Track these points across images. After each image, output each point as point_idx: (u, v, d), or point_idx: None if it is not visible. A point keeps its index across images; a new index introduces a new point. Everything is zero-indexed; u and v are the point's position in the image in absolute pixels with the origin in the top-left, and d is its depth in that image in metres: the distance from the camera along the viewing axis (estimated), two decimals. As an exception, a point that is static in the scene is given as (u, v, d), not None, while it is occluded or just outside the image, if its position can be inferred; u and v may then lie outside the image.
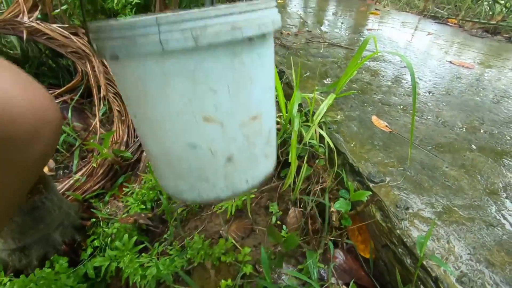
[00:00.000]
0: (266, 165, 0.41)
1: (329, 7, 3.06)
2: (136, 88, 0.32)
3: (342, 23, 2.27)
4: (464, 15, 2.81)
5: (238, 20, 0.29)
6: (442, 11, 3.00)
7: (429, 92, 1.19)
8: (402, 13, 3.19)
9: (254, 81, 0.34)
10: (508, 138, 0.93)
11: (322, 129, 0.84)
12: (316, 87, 1.06)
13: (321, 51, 1.54)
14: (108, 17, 1.25)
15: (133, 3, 1.14)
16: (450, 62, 1.57)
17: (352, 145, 0.81)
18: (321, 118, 0.86)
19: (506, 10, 2.71)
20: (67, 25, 1.28)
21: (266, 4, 0.32)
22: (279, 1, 3.03)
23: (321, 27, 2.04)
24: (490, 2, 2.80)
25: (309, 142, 0.81)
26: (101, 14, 1.24)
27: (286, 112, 0.85)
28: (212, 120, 0.32)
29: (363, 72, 1.32)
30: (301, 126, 0.84)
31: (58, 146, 1.14)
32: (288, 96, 0.88)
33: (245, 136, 0.35)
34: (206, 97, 0.31)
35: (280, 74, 1.22)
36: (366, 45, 0.85)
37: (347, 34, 1.93)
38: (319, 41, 1.68)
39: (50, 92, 1.20)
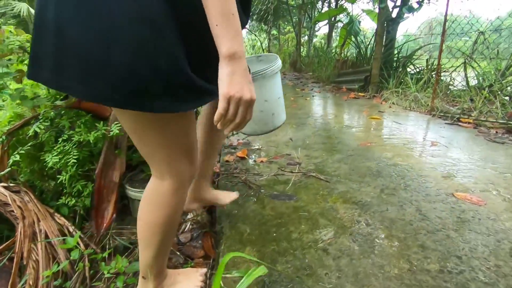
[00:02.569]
0: (284, 116, 1.16)
1: (329, 111, 3.02)
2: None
3: (334, 137, 2.14)
4: (477, 114, 2.56)
5: (271, 69, 1.03)
6: (453, 109, 2.78)
7: None
8: (410, 113, 3.03)
9: (276, 84, 1.10)
10: None
11: None
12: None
13: (288, 188, 1.34)
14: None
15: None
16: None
17: None
18: None
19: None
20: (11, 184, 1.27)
21: (277, 61, 1.09)
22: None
23: (305, 145, 1.91)
24: (505, 101, 2.54)
25: None
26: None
27: None
28: (267, 100, 1.06)
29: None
30: None
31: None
32: None
33: (278, 105, 1.11)
34: (263, 92, 1.04)
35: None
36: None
37: (331, 156, 1.75)
38: (292, 172, 1.51)
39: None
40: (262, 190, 1.32)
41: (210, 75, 0.58)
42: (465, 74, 3.22)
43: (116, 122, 1.20)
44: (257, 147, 1.95)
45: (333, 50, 7.73)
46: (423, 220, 1.07)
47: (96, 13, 0.49)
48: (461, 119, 2.57)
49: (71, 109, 1.23)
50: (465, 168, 1.53)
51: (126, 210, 1.32)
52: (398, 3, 4.44)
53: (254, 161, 1.67)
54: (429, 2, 3.93)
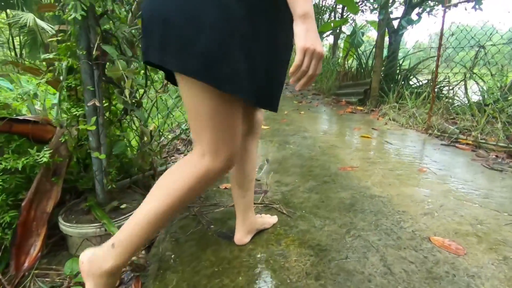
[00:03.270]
0: None
1: (319, 128, 2.86)
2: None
3: (315, 159, 1.98)
4: (478, 134, 2.35)
5: None
6: (452, 127, 2.58)
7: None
8: (406, 131, 2.84)
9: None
10: None
11: None
12: None
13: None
14: None
15: None
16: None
17: None
18: None
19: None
20: None
21: None
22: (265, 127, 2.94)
23: (280, 169, 1.75)
24: (509, 121, 2.33)
25: None
26: None
27: None
28: None
29: None
30: None
31: None
32: None
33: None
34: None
35: None
36: None
37: (304, 183, 1.60)
38: (254, 203, 1.36)
39: None
40: (212, 226, 1.17)
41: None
42: (465, 89, 3.02)
43: (47, 149, 1.09)
44: (228, 169, 1.81)
45: (338, 61, 7.58)
46: (385, 274, 0.90)
47: (190, 3, 0.63)
48: (459, 140, 2.37)
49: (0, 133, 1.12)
50: (450, 203, 1.35)
51: (64, 244, 1.20)
52: (400, 14, 4.29)
53: (218, 187, 1.53)
54: (428, 15, 3.76)
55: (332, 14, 9.31)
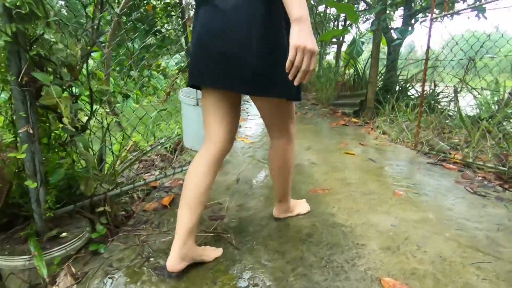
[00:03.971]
0: None
1: (304, 142, 2.77)
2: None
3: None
4: (470, 151, 2.22)
5: None
6: (443, 143, 2.45)
7: None
8: (396, 146, 2.72)
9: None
10: None
11: None
12: None
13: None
14: None
15: None
16: None
17: None
18: None
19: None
20: None
21: None
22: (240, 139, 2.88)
23: (248, 190, 1.67)
24: (500, 141, 2.19)
25: None
26: None
27: None
28: None
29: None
30: None
31: None
32: None
33: None
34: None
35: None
36: None
37: (267, 207, 1.51)
38: (205, 231, 1.28)
39: None
40: (151, 259, 1.10)
41: None
42: (456, 100, 2.87)
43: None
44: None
45: (340, 71, 7.48)
46: (317, 326, 0.81)
47: (247, 39, 0.88)
48: (447, 158, 2.24)
49: None
50: (417, 236, 1.24)
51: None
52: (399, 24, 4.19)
53: (175, 211, 1.46)
54: (420, 24, 3.65)
55: (336, 23, 9.24)
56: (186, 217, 0.98)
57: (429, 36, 2.27)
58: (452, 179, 1.88)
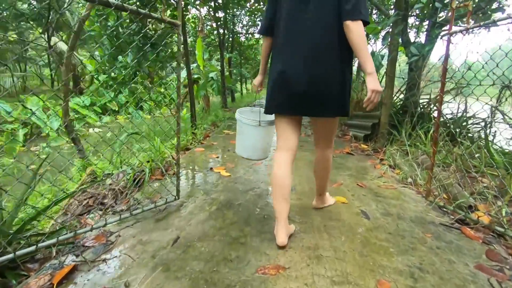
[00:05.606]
0: (268, 154, 1.95)
1: (295, 177, 2.29)
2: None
3: (238, 244, 1.43)
4: (497, 212, 1.63)
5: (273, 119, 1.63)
6: (466, 193, 1.86)
7: None
8: (402, 191, 2.17)
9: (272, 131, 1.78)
10: None
11: None
12: None
13: None
14: None
15: None
16: None
17: None
18: None
19: None
20: None
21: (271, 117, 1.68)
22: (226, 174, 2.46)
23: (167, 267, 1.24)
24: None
25: None
26: None
27: None
28: (267, 141, 1.86)
29: None
30: None
31: None
32: None
33: (269, 145, 1.90)
34: (266, 133, 1.80)
35: None
36: None
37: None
38: None
39: None
40: None
41: None
42: (486, 137, 2.26)
43: None
44: (109, 257, 1.34)
45: (358, 86, 6.87)
46: None
47: (333, 77, 1.33)
48: (467, 219, 1.66)
49: None
50: None
51: None
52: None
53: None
54: (441, 38, 3.05)
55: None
56: (286, 206, 1.38)
57: (447, 55, 1.74)
58: (472, 259, 1.32)
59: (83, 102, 6.57)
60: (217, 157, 3.04)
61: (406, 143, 3.20)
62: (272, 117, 1.68)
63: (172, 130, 4.44)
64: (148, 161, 2.59)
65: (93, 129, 6.42)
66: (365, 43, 1.21)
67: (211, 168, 2.61)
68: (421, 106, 3.95)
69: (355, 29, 1.20)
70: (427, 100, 3.98)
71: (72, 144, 2.52)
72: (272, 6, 1.40)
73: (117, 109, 8.52)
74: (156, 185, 2.22)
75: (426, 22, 4.75)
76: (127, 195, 2.09)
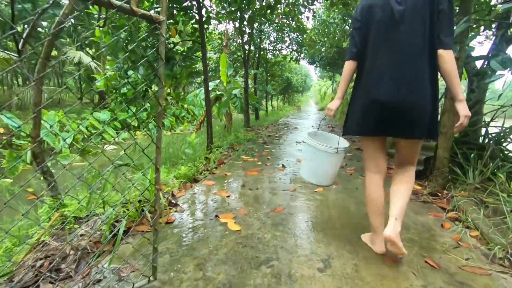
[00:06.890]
0: (332, 181, 1.94)
1: (310, 246, 1.60)
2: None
3: None
4: None
5: (346, 148, 1.80)
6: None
7: None
8: (507, 279, 1.40)
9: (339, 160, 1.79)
10: None
11: None
12: None
13: None
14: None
15: None
16: None
17: None
18: None
19: None
20: None
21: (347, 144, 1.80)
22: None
23: None
24: None
25: None
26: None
27: None
28: (336, 166, 1.84)
29: None
30: None
31: None
32: None
33: (335, 172, 1.88)
34: (337, 160, 1.78)
35: None
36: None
37: None
38: None
39: None
40: None
41: None
42: None
43: None
44: None
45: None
46: None
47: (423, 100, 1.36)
48: None
49: None
50: None
51: None
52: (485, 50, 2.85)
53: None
54: None
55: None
56: (382, 220, 1.54)
57: None
58: None
59: (100, 117, 6.36)
60: (228, 196, 2.41)
61: (476, 185, 2.40)
62: (346, 143, 1.80)
63: (181, 157, 3.92)
64: (139, 201, 2.03)
65: (108, 146, 6.13)
66: (457, 71, 1.29)
67: (217, 216, 1.99)
68: (490, 138, 3.11)
69: (449, 59, 1.28)
70: (497, 130, 3.14)
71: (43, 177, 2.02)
72: (361, 30, 1.45)
73: (137, 125, 8.30)
74: (137, 243, 1.63)
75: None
76: (95, 257, 1.52)
